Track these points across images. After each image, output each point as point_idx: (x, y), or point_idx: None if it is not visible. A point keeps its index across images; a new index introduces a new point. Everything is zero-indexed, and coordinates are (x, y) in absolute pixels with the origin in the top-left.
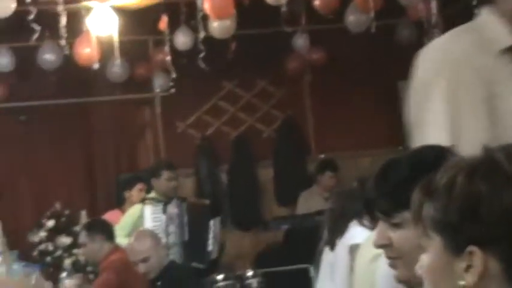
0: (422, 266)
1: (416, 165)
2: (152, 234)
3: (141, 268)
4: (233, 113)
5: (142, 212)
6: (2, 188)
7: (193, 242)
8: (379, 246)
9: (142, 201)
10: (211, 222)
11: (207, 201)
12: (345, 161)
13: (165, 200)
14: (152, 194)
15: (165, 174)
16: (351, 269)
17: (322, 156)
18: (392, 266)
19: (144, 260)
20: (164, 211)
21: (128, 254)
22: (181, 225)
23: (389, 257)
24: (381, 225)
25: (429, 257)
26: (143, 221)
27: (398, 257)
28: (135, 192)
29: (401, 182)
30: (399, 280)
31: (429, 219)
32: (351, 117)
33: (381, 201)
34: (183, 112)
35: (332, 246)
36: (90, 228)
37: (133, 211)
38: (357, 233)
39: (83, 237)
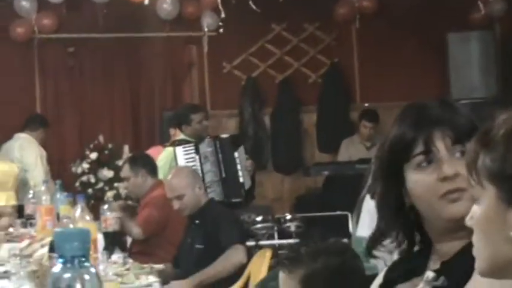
0: (473, 218)
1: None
2: (191, 172)
3: (175, 205)
4: (280, 57)
5: (174, 154)
6: (48, 118)
7: (229, 178)
8: (451, 176)
9: (172, 144)
10: (236, 154)
11: (226, 135)
12: (389, 110)
13: (196, 140)
14: (181, 137)
15: (196, 118)
16: None
17: (367, 105)
18: (456, 199)
19: (179, 197)
20: (197, 151)
21: (166, 190)
22: (217, 163)
23: (455, 190)
24: (447, 157)
25: (482, 208)
26: (177, 163)
27: (467, 188)
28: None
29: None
30: (462, 214)
31: (484, 169)
32: (398, 67)
33: (456, 125)
34: (230, 53)
35: (373, 194)
36: (134, 162)
37: (164, 156)
38: None
39: (126, 171)
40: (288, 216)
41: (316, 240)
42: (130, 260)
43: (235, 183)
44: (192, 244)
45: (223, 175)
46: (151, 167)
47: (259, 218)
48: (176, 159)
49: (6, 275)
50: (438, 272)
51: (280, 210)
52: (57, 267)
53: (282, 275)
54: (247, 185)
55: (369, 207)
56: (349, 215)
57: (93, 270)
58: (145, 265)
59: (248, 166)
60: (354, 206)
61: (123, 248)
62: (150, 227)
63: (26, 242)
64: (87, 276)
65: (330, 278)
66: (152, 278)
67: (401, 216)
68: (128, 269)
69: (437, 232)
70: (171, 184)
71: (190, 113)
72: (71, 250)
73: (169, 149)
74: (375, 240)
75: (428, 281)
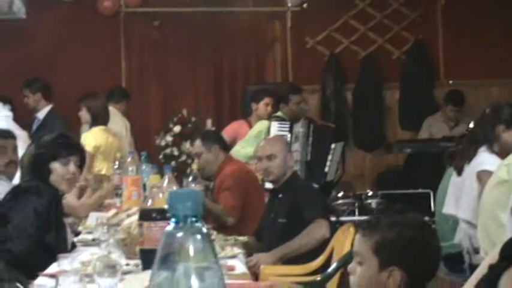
0: None
1: None
2: (286, 141)
3: (263, 164)
4: (363, 33)
5: (268, 128)
6: (133, 91)
7: (314, 163)
8: None
9: (269, 118)
10: (333, 146)
11: (332, 125)
12: (473, 88)
13: (293, 120)
14: (279, 113)
15: (294, 98)
16: (479, 195)
17: (451, 82)
18: None
19: (270, 158)
20: (290, 130)
21: (256, 150)
22: (305, 145)
23: None
24: None
25: None
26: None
27: None
28: (262, 105)
29: None
30: None
31: None
32: (483, 45)
33: None
34: (313, 28)
35: (459, 171)
36: (205, 138)
37: (259, 126)
38: (486, 159)
39: (198, 147)
40: (369, 193)
41: (396, 210)
42: (214, 232)
43: (319, 169)
44: (275, 218)
45: (308, 158)
46: (223, 143)
47: (340, 194)
48: (269, 133)
49: (95, 243)
50: None
51: (362, 186)
52: (170, 227)
53: (357, 236)
54: (330, 178)
55: (455, 184)
56: (431, 193)
57: (204, 230)
58: (229, 237)
59: (338, 162)
60: (437, 184)
61: (206, 220)
62: (238, 213)
63: (112, 212)
64: (198, 236)
65: (401, 249)
66: (237, 250)
67: None
68: (212, 240)
69: None
70: (265, 144)
71: (290, 94)
72: (184, 210)
73: (265, 122)
74: None
75: None
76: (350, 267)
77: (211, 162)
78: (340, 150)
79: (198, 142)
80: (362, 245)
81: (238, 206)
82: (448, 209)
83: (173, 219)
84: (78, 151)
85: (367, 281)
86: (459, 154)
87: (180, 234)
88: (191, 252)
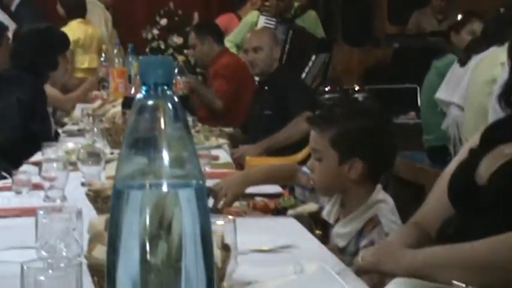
0: None
1: None
2: (274, 34)
3: (250, 56)
4: None
5: (257, 20)
6: None
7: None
8: None
9: (260, 9)
10: (313, 57)
11: (318, 36)
12: None
13: (278, 19)
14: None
15: None
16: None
17: None
18: None
19: (256, 50)
20: (275, 28)
21: (245, 41)
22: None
23: None
24: None
25: None
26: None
27: None
28: None
29: None
30: None
31: None
32: None
33: None
34: None
35: (464, 62)
36: (200, 29)
37: (249, 17)
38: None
39: (192, 39)
40: (356, 88)
41: (350, 101)
42: (199, 124)
43: None
44: (261, 110)
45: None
46: (217, 35)
47: (327, 89)
48: (257, 26)
49: (80, 133)
50: None
51: (349, 81)
52: (140, 95)
53: (313, 133)
54: None
55: (455, 73)
56: (418, 88)
57: (176, 99)
58: (214, 128)
59: (315, 74)
60: (423, 79)
61: (192, 112)
62: (228, 99)
63: (98, 103)
64: (170, 105)
65: (360, 139)
66: (222, 140)
67: None
68: (197, 131)
69: None
70: (252, 35)
71: None
72: (154, 77)
73: (256, 13)
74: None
75: None
76: (309, 164)
77: (205, 54)
78: (320, 62)
79: (192, 34)
80: (319, 141)
81: (229, 92)
82: (442, 94)
83: (144, 88)
84: (66, 45)
85: (327, 175)
86: (465, 46)
87: (150, 102)
88: (163, 125)
